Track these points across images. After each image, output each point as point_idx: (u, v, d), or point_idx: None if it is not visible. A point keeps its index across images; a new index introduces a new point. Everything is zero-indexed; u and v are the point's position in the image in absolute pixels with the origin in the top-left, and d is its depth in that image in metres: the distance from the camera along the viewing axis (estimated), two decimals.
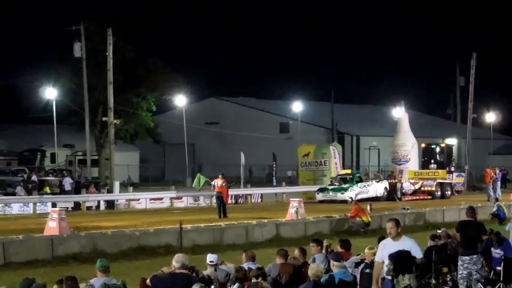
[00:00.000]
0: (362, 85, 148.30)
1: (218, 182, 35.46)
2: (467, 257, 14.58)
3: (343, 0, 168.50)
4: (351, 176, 47.64)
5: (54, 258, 22.23)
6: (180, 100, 66.24)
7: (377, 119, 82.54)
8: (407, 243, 12.27)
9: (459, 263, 14.70)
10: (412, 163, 51.53)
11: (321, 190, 46.27)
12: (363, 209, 30.41)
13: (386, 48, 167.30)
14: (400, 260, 11.97)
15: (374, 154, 77.55)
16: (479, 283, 14.67)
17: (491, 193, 44.79)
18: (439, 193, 49.06)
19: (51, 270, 20.46)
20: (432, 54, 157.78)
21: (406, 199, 46.12)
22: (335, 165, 51.22)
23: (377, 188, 46.94)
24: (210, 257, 13.86)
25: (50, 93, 55.31)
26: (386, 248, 12.31)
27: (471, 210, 15.38)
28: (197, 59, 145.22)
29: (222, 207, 34.79)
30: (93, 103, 55.30)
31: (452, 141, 69.93)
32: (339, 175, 48.67)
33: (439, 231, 18.24)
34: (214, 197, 37.14)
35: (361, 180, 47.02)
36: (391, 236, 12.35)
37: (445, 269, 16.00)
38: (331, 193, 45.45)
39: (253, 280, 11.61)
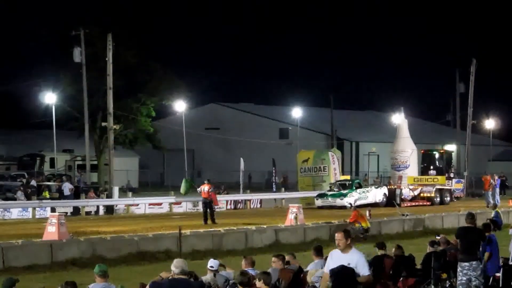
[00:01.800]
0: (362, 91, 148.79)
1: (205, 188, 34.99)
2: (466, 264, 14.56)
3: (342, 5, 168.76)
4: (350, 182, 47.67)
5: (53, 263, 22.21)
6: (180, 106, 66.17)
7: (376, 125, 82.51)
8: (354, 257, 11.66)
9: (459, 269, 14.67)
10: (412, 169, 51.49)
11: (320, 196, 46.28)
12: (362, 215, 30.42)
13: (386, 54, 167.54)
14: (341, 277, 11.38)
15: (373, 160, 77.60)
16: None
17: (490, 200, 44.81)
18: (438, 199, 49.04)
19: (51, 275, 20.48)
20: (432, 60, 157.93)
21: (405, 205, 46.00)
22: (334, 171, 51.21)
23: (376, 194, 46.94)
24: (211, 263, 13.87)
25: (49, 98, 55.27)
26: (332, 260, 11.82)
27: (471, 216, 15.35)
28: (197, 64, 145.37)
29: (210, 213, 34.52)
30: (92, 108, 55.24)
31: (451, 147, 70.01)
32: (338, 181, 48.67)
33: (438, 237, 18.21)
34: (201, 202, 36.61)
35: (360, 186, 47.02)
36: (340, 248, 11.79)
37: (444, 275, 16.01)
38: (330, 199, 45.45)
39: (256, 283, 11.56)
